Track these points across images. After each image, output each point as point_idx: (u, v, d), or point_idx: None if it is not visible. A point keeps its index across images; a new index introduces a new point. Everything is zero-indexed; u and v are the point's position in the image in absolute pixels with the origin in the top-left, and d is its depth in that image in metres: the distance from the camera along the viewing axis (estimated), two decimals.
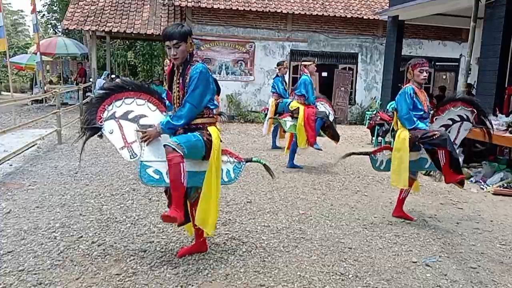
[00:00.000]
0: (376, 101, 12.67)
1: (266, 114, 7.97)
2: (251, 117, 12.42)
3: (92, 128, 2.87)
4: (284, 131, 7.37)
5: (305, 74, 6.11)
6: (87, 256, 3.10)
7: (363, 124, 12.16)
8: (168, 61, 6.71)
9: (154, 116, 2.94)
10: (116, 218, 3.91)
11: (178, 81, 2.91)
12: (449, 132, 4.05)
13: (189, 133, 2.86)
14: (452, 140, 4.02)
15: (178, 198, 2.76)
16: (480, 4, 6.99)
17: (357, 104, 13.36)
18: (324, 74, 12.76)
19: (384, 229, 3.91)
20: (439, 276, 3.01)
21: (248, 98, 12.67)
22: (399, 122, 4.09)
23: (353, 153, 4.38)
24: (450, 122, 4.08)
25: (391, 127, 8.50)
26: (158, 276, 2.83)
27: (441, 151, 3.76)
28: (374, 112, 9.63)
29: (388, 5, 10.86)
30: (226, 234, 3.61)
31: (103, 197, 4.54)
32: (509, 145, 5.85)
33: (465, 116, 4.06)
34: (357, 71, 13.35)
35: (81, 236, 3.45)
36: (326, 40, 12.95)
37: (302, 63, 6.27)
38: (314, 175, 5.90)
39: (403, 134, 3.95)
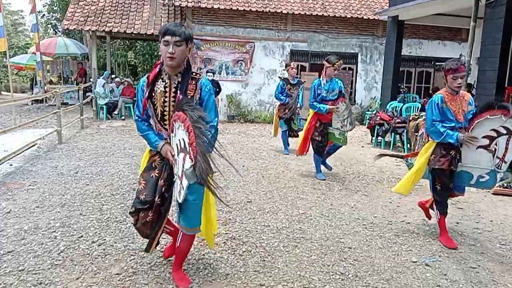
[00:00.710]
0: (376, 101, 12.68)
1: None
2: (251, 117, 12.43)
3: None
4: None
5: (321, 77, 5.59)
6: (87, 255, 3.10)
7: (363, 124, 12.15)
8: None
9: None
10: (116, 217, 3.91)
11: (173, 93, 2.50)
12: (495, 145, 3.46)
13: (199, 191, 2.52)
14: (501, 156, 3.47)
15: (182, 260, 2.78)
16: (480, 4, 6.99)
17: (357, 104, 13.36)
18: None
19: (384, 228, 3.91)
20: (439, 275, 3.01)
21: (248, 98, 12.68)
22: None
23: (385, 155, 4.20)
24: (495, 134, 3.45)
25: (391, 126, 8.48)
26: (158, 275, 2.83)
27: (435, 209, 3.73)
28: (374, 112, 9.63)
29: (388, 5, 10.86)
30: (226, 233, 3.61)
31: (103, 197, 4.54)
32: None
33: None
34: (357, 71, 13.35)
35: (81, 236, 3.46)
36: (326, 40, 12.95)
37: (324, 62, 5.60)
38: (314, 175, 5.89)
39: (429, 150, 3.69)
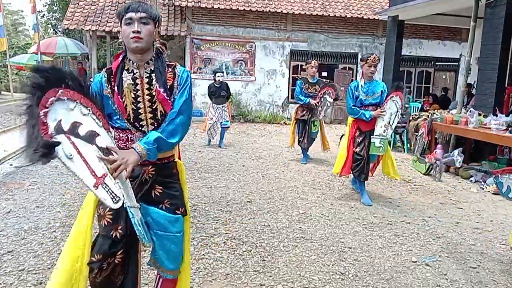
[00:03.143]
0: None
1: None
2: (251, 117, 12.43)
3: (45, 149, 1.50)
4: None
5: (359, 79, 4.89)
6: None
7: None
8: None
9: (103, 136, 1.74)
10: None
11: (147, 86, 1.93)
12: None
13: (176, 232, 1.98)
14: None
15: None
16: (480, 4, 6.99)
17: None
18: (324, 74, 12.77)
19: (384, 228, 3.91)
20: (439, 275, 3.01)
21: (248, 98, 12.68)
22: None
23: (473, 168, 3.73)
24: None
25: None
26: None
27: None
28: None
29: (388, 5, 10.86)
30: (226, 233, 3.61)
31: None
32: (509, 145, 5.85)
33: None
34: (357, 71, 13.34)
35: None
36: (326, 40, 12.96)
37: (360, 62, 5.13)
38: (314, 175, 5.90)
39: None
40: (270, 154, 7.32)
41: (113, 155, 1.70)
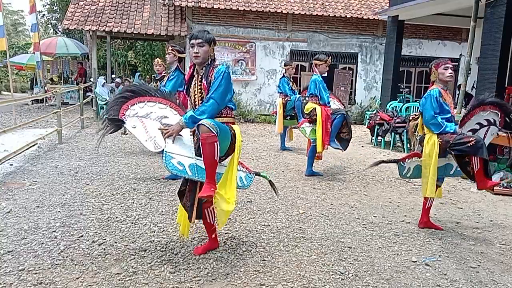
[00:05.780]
0: (375, 101, 12.68)
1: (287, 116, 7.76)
2: (251, 117, 12.43)
3: (114, 121, 2.95)
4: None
5: (315, 74, 5.81)
6: (87, 255, 3.10)
7: (363, 124, 12.16)
8: (159, 60, 6.43)
9: (176, 119, 3.05)
10: (116, 217, 3.91)
11: (199, 83, 2.99)
12: None
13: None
14: None
15: (211, 172, 2.87)
16: (480, 4, 6.99)
17: (357, 103, 13.37)
18: (324, 74, 12.76)
19: (384, 228, 3.91)
20: (438, 275, 3.01)
21: (248, 98, 12.68)
22: (425, 127, 3.94)
23: (383, 162, 4.12)
24: (478, 127, 3.93)
25: (391, 126, 8.47)
26: (159, 275, 2.83)
27: (475, 159, 3.60)
28: (374, 112, 9.63)
29: (388, 5, 10.87)
30: (226, 233, 3.61)
31: (104, 197, 4.54)
32: (509, 145, 5.84)
33: (492, 120, 3.94)
34: (357, 71, 13.35)
35: (82, 236, 3.46)
36: (326, 40, 12.96)
37: (313, 61, 5.88)
38: (314, 175, 5.89)
39: (432, 139, 3.79)
40: (270, 154, 7.33)
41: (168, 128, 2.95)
